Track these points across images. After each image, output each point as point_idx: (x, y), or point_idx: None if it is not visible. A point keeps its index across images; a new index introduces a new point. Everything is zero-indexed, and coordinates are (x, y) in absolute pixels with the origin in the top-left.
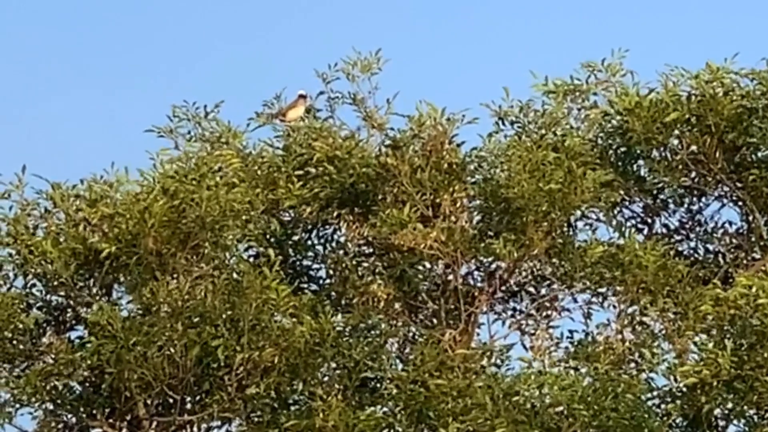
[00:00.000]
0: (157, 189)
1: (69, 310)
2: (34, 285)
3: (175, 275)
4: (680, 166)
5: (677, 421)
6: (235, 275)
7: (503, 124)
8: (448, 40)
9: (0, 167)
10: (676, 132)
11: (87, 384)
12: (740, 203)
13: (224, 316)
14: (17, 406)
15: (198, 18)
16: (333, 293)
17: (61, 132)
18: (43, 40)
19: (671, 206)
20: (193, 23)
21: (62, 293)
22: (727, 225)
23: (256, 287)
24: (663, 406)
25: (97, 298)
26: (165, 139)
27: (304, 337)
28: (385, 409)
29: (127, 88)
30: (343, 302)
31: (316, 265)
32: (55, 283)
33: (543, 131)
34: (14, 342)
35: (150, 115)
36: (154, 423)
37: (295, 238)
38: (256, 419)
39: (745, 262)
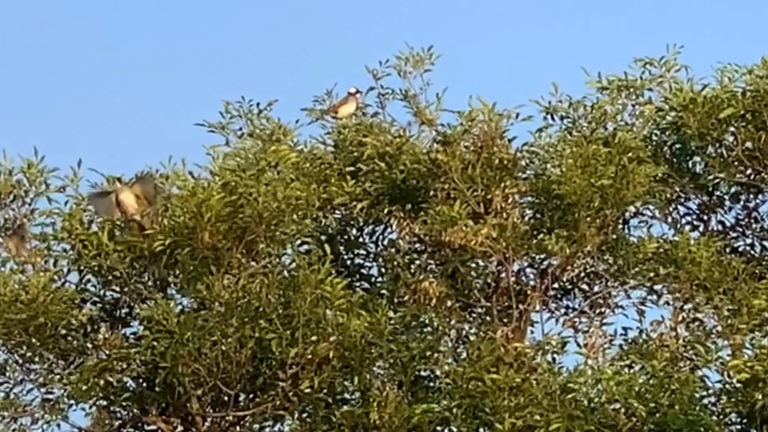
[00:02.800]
0: (214, 183)
1: (124, 305)
2: (88, 280)
3: (230, 270)
4: (736, 163)
5: (732, 417)
6: (290, 270)
7: (552, 119)
8: (499, 35)
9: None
10: (731, 128)
11: (141, 380)
12: None
13: (279, 311)
14: (71, 402)
15: (244, 15)
16: (384, 291)
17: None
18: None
19: (727, 203)
20: (240, 20)
21: (117, 288)
22: None
23: (312, 282)
24: (718, 402)
25: (152, 292)
26: (216, 135)
27: (360, 332)
28: (438, 407)
29: (177, 83)
30: (395, 300)
31: (367, 263)
32: (110, 277)
33: (593, 126)
34: (68, 338)
35: (197, 111)
36: (208, 419)
37: (347, 235)
38: (308, 418)
39: None
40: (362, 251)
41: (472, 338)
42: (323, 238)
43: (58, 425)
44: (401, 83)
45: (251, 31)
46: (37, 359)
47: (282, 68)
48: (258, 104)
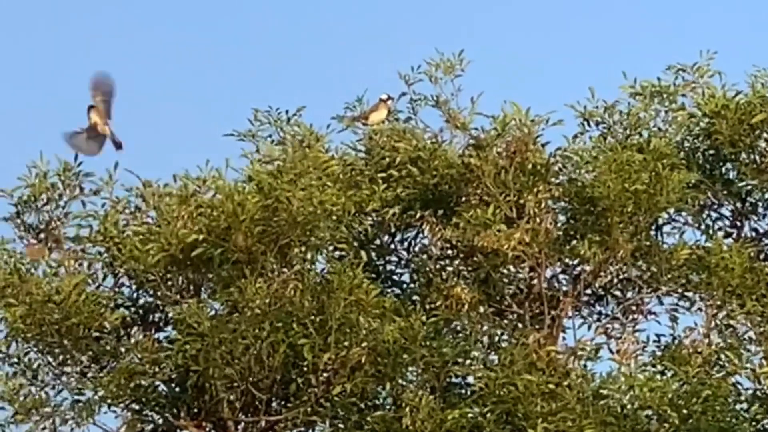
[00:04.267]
0: (251, 186)
1: (157, 310)
2: (122, 284)
3: (263, 274)
4: None
5: (764, 424)
6: (324, 275)
7: (588, 124)
8: (533, 40)
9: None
10: (764, 134)
11: (172, 383)
12: None
13: (312, 316)
14: (102, 405)
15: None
16: (416, 297)
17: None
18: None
19: (760, 209)
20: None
21: (150, 292)
22: None
23: (346, 287)
24: (751, 409)
25: (185, 296)
26: (245, 143)
27: (393, 337)
28: (471, 413)
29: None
30: (427, 306)
31: (399, 270)
32: (143, 280)
33: (628, 132)
34: (101, 341)
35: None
36: (240, 424)
37: (378, 241)
38: (340, 423)
39: None
40: (394, 257)
41: (504, 344)
42: (356, 244)
43: (79, 423)
44: (432, 89)
45: (279, 38)
46: (69, 361)
47: (313, 74)
48: (287, 111)
